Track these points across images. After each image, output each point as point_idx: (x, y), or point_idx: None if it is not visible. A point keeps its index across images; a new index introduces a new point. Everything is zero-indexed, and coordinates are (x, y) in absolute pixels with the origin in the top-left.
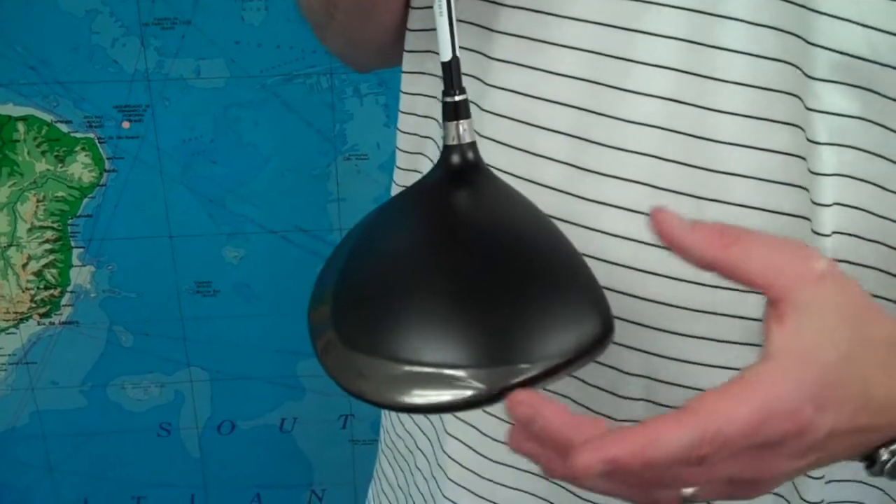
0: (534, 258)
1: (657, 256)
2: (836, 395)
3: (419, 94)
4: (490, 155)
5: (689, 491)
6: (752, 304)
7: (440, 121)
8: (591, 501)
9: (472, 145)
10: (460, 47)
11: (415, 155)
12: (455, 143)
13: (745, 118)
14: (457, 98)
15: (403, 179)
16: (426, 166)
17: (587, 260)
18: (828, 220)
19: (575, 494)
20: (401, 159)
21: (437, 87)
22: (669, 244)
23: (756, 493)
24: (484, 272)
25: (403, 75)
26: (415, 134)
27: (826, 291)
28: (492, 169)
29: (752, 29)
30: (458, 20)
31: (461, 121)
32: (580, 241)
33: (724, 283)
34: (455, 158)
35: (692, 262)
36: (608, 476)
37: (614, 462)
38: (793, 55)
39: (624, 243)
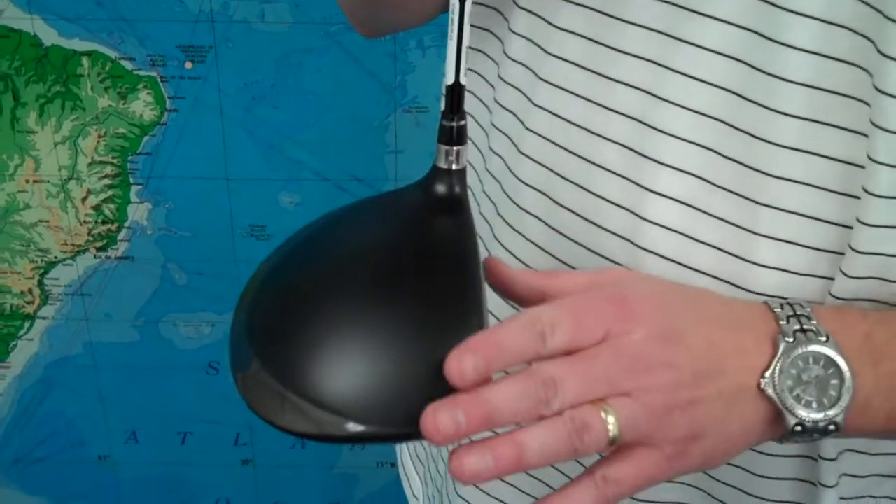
0: (449, 322)
1: (704, 253)
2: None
3: (470, 69)
4: (547, 127)
5: (610, 414)
6: None
7: (487, 102)
8: None
9: (461, 174)
10: (516, 33)
11: None
12: (445, 167)
13: (807, 121)
14: (455, 123)
15: None
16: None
17: (633, 249)
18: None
19: None
20: None
21: (492, 69)
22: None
23: (651, 386)
24: (394, 313)
25: None
26: None
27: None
28: (536, 158)
29: (824, 27)
30: (521, 7)
31: (456, 146)
32: (629, 228)
33: (769, 290)
34: (440, 187)
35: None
36: (480, 368)
37: (470, 346)
38: (865, 60)
39: (672, 236)
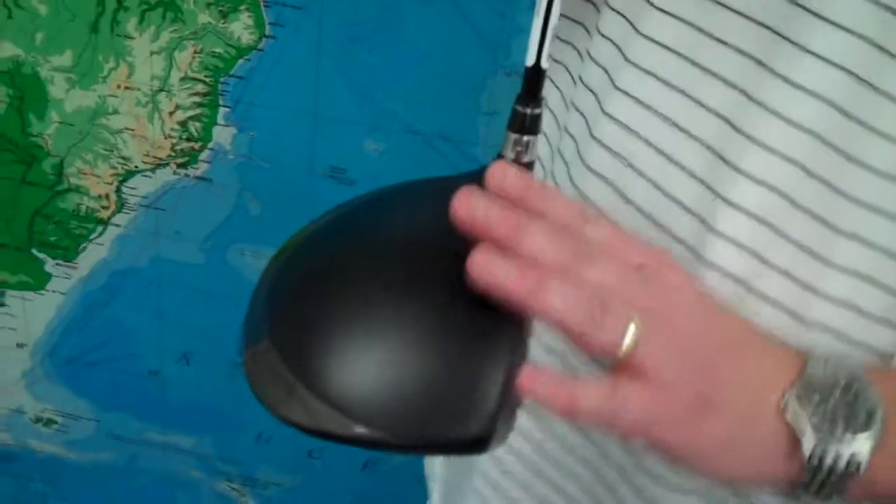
0: (480, 333)
1: (771, 277)
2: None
3: (564, 40)
4: (626, 113)
5: (633, 321)
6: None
7: (575, 79)
8: None
9: (529, 168)
10: (610, 7)
11: None
12: (512, 157)
13: None
14: (530, 110)
15: None
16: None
17: (696, 261)
18: None
19: None
20: None
21: (585, 44)
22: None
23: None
24: (424, 316)
25: None
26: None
27: None
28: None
29: None
30: None
31: (528, 136)
32: (696, 237)
33: (835, 326)
34: None
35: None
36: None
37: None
38: None
39: (739, 253)
